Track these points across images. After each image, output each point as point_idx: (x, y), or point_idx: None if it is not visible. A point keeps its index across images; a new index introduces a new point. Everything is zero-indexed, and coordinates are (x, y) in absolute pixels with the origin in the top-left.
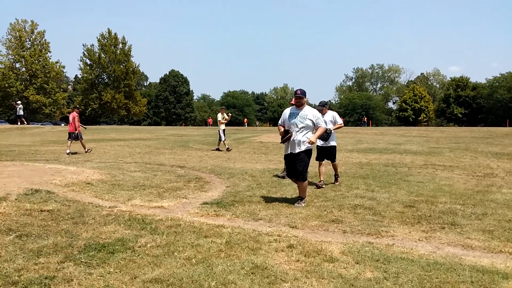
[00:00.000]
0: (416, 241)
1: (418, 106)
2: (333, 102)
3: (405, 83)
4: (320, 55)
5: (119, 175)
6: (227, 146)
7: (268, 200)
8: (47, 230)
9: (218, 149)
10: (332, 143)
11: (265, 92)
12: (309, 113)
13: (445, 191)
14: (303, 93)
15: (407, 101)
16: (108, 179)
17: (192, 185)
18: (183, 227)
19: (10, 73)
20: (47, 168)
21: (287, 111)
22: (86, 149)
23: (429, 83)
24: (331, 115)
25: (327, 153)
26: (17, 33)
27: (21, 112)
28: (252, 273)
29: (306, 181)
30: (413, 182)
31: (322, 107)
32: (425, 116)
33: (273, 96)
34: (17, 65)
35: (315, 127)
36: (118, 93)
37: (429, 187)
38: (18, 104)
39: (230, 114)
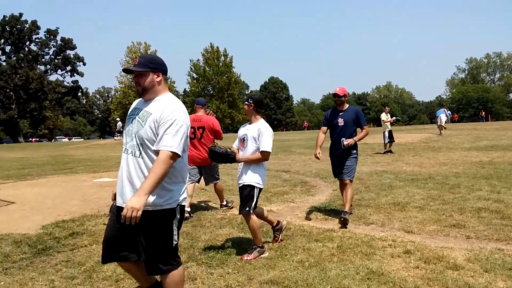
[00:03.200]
0: None
1: None
2: (444, 97)
3: None
4: (426, 48)
5: (228, 181)
6: (389, 149)
7: (379, 203)
8: None
9: (390, 152)
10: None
11: (367, 92)
12: None
13: None
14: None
15: None
16: None
17: (299, 189)
18: (293, 231)
19: (130, 91)
20: None
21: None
22: None
23: None
24: None
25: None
26: (133, 55)
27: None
28: (368, 278)
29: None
30: None
31: None
32: None
33: (375, 95)
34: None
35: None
36: (222, 103)
37: None
38: (117, 121)
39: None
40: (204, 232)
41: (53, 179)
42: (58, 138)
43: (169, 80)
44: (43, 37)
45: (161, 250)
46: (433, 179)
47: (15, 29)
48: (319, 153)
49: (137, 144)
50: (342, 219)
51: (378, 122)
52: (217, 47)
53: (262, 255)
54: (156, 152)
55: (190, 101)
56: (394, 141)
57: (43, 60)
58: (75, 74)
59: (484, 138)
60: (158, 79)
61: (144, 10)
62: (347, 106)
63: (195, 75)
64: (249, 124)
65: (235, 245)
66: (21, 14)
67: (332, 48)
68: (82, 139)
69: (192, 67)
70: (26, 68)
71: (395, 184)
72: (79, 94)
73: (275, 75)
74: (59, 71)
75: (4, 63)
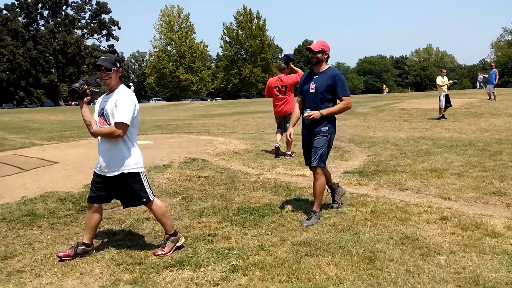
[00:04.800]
0: None
1: None
2: (488, 60)
3: None
4: (469, 8)
5: (262, 145)
6: (443, 114)
7: (415, 169)
8: (205, 193)
9: (443, 117)
10: None
11: (406, 55)
12: None
13: None
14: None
15: None
16: (252, 149)
17: (332, 154)
18: (326, 195)
19: (164, 56)
20: (200, 139)
21: None
22: None
23: None
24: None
25: None
26: (166, 18)
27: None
28: (402, 243)
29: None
30: None
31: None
32: None
33: (414, 59)
34: (168, 48)
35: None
36: (255, 68)
37: None
38: (130, 86)
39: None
40: (238, 195)
41: (93, 141)
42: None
43: (202, 44)
44: (79, 1)
45: None
46: (473, 145)
47: None
48: (290, 134)
49: None
50: (304, 224)
51: (416, 87)
52: (250, 10)
53: (177, 244)
54: None
55: (223, 66)
56: (451, 106)
57: (79, 24)
58: (110, 38)
59: None
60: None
61: None
62: (326, 67)
63: (228, 39)
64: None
65: (268, 208)
66: None
67: (369, 9)
68: None
69: (224, 31)
70: (64, 32)
71: (433, 151)
72: None
73: (310, 38)
74: (95, 35)
75: (42, 28)
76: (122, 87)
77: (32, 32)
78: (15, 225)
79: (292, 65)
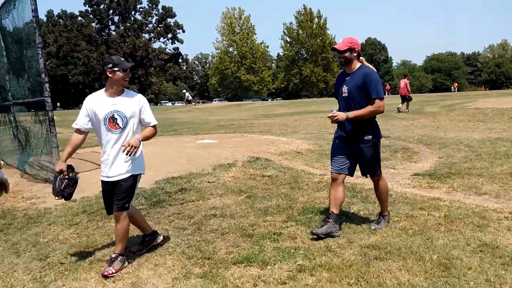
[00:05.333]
0: None
1: None
2: None
3: None
4: None
5: (325, 145)
6: None
7: (492, 173)
8: (269, 192)
9: None
10: None
11: (478, 52)
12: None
13: None
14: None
15: None
16: (315, 149)
17: (399, 155)
18: (395, 198)
19: (225, 57)
20: (262, 139)
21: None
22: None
23: None
24: None
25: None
26: (228, 20)
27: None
28: (480, 251)
29: None
30: None
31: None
32: None
33: (488, 55)
34: (230, 49)
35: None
36: (316, 67)
37: None
38: (184, 92)
39: None
40: (302, 194)
41: (161, 140)
42: (163, 103)
43: (263, 44)
44: (146, 6)
45: None
46: None
47: None
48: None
49: None
50: (373, 227)
51: (491, 85)
52: (310, 9)
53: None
54: None
55: (284, 65)
56: None
57: (146, 28)
58: (175, 41)
59: None
60: None
61: None
62: (357, 65)
63: (288, 39)
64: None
65: None
66: None
67: (436, 3)
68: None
69: (285, 30)
70: (133, 36)
71: None
72: (180, 60)
73: (372, 36)
74: (161, 39)
75: (113, 33)
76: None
77: (104, 37)
78: (95, 217)
79: (365, 61)
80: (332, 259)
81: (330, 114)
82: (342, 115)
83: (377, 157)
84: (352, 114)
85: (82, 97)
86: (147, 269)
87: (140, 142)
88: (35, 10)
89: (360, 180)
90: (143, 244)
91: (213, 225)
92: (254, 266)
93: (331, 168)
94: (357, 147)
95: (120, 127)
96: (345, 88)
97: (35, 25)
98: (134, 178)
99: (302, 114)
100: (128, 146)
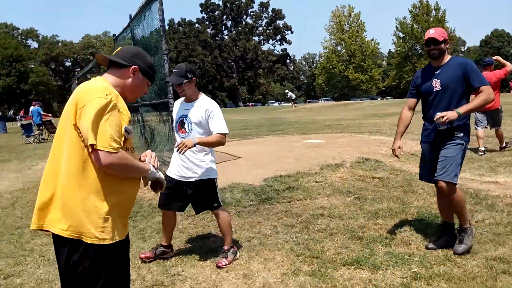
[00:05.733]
0: None
1: None
2: None
3: None
4: None
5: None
6: None
7: None
8: (380, 195)
9: None
10: None
11: None
12: None
13: None
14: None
15: None
16: None
17: None
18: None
19: (333, 56)
20: (372, 139)
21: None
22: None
23: None
24: None
25: None
26: (337, 19)
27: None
28: None
29: None
30: None
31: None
32: None
33: None
34: (338, 48)
35: None
36: None
37: None
38: (286, 93)
39: None
40: (416, 199)
41: (269, 139)
42: (270, 103)
43: (373, 41)
44: (257, 10)
45: None
46: None
47: (234, 5)
48: (398, 148)
49: None
50: (458, 251)
51: None
52: (427, 1)
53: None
54: None
55: (395, 63)
56: None
57: (257, 31)
58: (284, 43)
59: None
60: None
61: None
62: (448, 58)
63: (401, 34)
64: None
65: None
66: None
67: None
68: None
69: (398, 26)
70: (244, 40)
71: None
72: (287, 61)
73: (500, 27)
74: (270, 41)
75: (226, 37)
76: (203, 96)
77: (217, 42)
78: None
79: (501, 59)
80: (452, 269)
81: (437, 117)
82: (452, 114)
83: (460, 159)
84: (463, 109)
85: None
86: (257, 263)
87: (195, 144)
88: (162, 20)
89: (484, 186)
90: (155, 253)
91: (321, 225)
92: (364, 269)
93: (421, 177)
94: (444, 144)
95: (186, 131)
96: (435, 82)
97: (161, 33)
98: (208, 182)
99: (417, 113)
100: (182, 143)
